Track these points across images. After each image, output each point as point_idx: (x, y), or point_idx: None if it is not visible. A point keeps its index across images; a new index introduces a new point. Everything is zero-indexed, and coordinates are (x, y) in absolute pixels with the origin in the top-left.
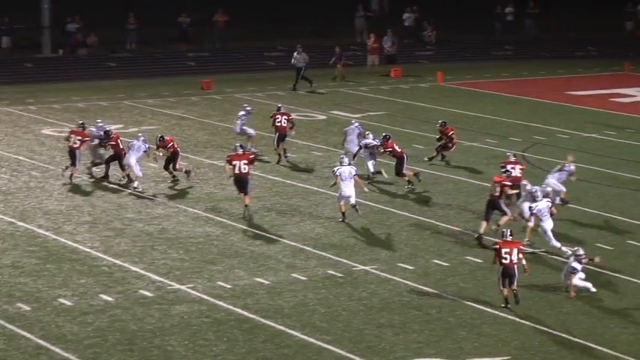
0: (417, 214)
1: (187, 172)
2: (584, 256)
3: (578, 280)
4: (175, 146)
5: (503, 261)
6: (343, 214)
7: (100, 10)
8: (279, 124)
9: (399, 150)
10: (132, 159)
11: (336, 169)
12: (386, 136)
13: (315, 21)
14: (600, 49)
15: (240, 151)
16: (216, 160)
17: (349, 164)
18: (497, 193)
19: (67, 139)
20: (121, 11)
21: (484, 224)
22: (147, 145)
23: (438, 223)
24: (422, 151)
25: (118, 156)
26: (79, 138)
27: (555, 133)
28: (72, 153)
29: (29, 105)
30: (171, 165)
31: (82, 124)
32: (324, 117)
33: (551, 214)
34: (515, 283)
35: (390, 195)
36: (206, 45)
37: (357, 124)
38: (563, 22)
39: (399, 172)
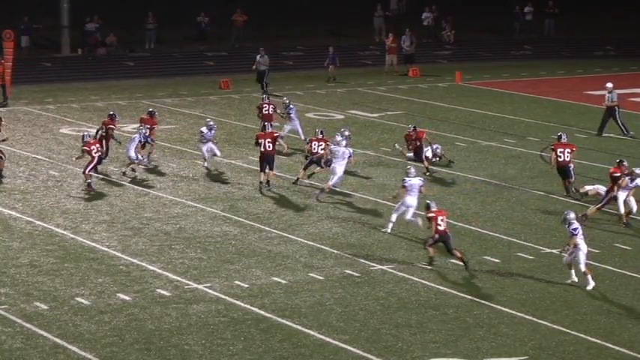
0: None
1: (89, 184)
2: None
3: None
4: (93, 152)
5: (439, 228)
6: (321, 189)
7: (119, 9)
8: (266, 112)
9: (315, 150)
10: (131, 151)
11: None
12: (321, 130)
13: (334, 21)
14: (619, 48)
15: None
16: (233, 159)
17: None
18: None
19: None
20: (140, 11)
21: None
22: (142, 136)
23: (455, 222)
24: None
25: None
26: (148, 126)
27: (574, 132)
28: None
29: (48, 104)
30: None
31: (152, 112)
32: (342, 116)
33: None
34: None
35: None
36: (224, 44)
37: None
38: (581, 21)
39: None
